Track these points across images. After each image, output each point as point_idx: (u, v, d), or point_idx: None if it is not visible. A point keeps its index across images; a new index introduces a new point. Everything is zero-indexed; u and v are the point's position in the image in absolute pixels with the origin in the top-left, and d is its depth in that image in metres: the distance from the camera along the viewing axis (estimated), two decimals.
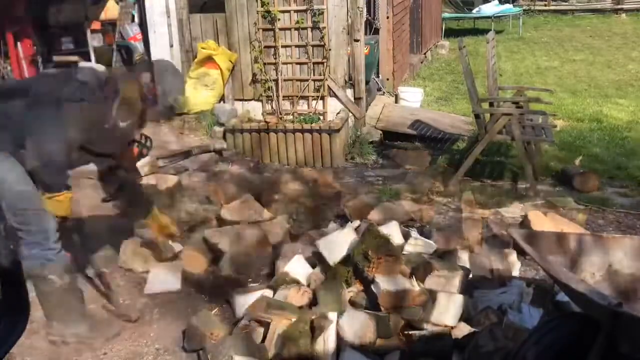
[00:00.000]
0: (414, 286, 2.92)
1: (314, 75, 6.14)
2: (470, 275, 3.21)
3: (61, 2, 7.53)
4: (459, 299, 2.90)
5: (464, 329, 2.82)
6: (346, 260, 3.10)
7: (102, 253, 3.69)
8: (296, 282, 3.13)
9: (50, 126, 2.76)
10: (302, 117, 6.20)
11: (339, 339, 2.73)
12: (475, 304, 3.01)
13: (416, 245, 3.44)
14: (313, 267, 3.24)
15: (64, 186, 2.89)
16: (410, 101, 7.73)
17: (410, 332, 2.77)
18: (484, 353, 2.51)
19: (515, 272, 3.42)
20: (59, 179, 2.87)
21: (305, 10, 5.98)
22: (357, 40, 6.05)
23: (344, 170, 5.77)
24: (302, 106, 6.26)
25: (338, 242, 3.14)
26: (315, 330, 2.77)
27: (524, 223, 4.10)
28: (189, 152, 5.45)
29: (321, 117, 6.18)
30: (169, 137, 5.84)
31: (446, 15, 14.51)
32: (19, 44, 7.43)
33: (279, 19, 6.03)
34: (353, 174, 5.70)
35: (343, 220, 4.04)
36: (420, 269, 3.05)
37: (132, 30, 6.69)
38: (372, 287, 2.91)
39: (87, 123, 2.83)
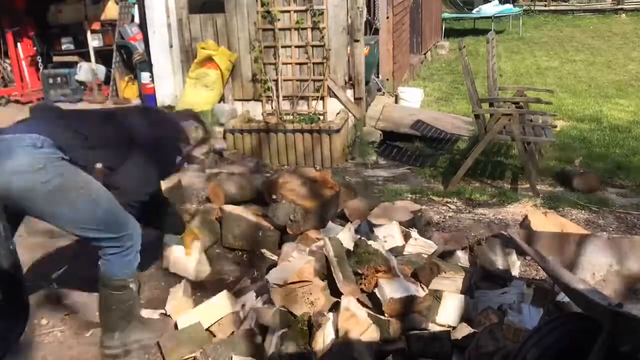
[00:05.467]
0: (420, 292, 2.92)
1: (313, 75, 6.14)
2: (471, 276, 3.21)
3: (61, 2, 7.54)
4: (461, 299, 2.90)
5: (464, 330, 2.82)
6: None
7: None
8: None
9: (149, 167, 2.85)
10: (302, 117, 6.19)
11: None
12: (476, 305, 3.00)
13: (416, 245, 3.44)
14: None
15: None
16: (410, 101, 7.73)
17: (411, 333, 2.77)
18: (484, 353, 2.50)
19: (515, 272, 3.42)
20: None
21: (305, 11, 5.98)
22: (357, 41, 6.05)
23: (344, 170, 5.77)
24: (302, 106, 6.26)
25: None
26: (313, 327, 2.77)
27: (524, 223, 4.09)
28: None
29: (321, 118, 6.18)
30: None
31: (446, 15, 14.52)
32: (19, 44, 7.43)
33: (279, 19, 6.03)
34: (353, 174, 5.70)
35: (343, 220, 4.04)
36: (426, 269, 3.05)
37: (132, 31, 6.69)
38: (376, 291, 2.91)
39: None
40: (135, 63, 6.63)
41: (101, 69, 7.38)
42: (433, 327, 2.85)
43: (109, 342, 2.92)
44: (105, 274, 2.80)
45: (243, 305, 3.13)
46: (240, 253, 3.95)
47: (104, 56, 7.38)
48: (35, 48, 7.60)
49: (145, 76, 6.50)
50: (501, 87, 6.43)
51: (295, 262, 3.08)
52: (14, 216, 2.64)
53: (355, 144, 6.20)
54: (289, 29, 6.07)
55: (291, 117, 6.23)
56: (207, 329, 3.03)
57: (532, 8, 17.45)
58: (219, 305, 3.11)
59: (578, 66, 10.68)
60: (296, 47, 6.11)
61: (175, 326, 3.07)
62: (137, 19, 6.83)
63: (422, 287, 3.02)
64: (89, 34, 7.35)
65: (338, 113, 6.14)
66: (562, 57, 11.51)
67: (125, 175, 2.75)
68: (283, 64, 6.16)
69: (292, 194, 3.93)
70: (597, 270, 2.40)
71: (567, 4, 17.83)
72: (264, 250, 3.88)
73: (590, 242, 2.44)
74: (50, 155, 2.50)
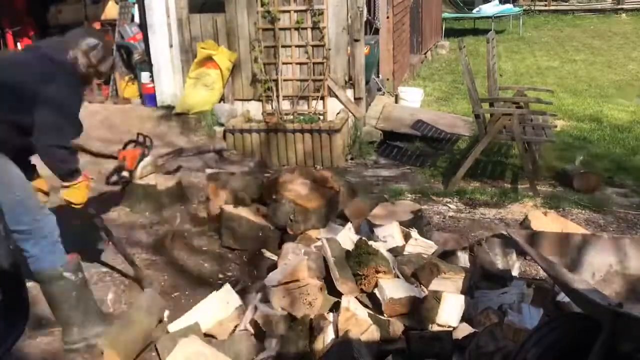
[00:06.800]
0: (420, 292, 2.92)
1: (314, 75, 6.13)
2: (471, 276, 3.21)
3: (61, 2, 7.54)
4: (462, 299, 2.90)
5: (464, 330, 2.82)
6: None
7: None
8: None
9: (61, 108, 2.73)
10: (302, 117, 6.19)
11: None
12: (476, 305, 3.01)
13: (416, 245, 3.44)
14: None
15: (78, 173, 2.88)
16: (410, 101, 7.73)
17: (411, 333, 2.77)
18: (484, 353, 2.50)
19: (515, 272, 3.42)
20: (72, 164, 2.85)
21: (305, 10, 5.97)
22: (357, 40, 6.04)
23: (344, 170, 5.76)
24: (302, 106, 6.26)
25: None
26: (314, 330, 2.77)
27: (524, 223, 4.10)
28: (182, 150, 5.45)
29: (321, 117, 6.17)
30: (169, 137, 5.84)
31: (446, 15, 14.51)
32: (18, 44, 7.43)
33: (279, 19, 6.02)
34: (353, 174, 5.70)
35: (343, 220, 4.04)
36: (426, 269, 3.05)
37: (132, 31, 6.68)
38: (376, 291, 2.90)
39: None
40: (135, 63, 6.62)
41: None
42: (433, 327, 2.85)
43: (68, 338, 2.92)
44: (34, 270, 2.82)
45: (242, 306, 3.13)
46: (240, 253, 3.95)
47: None
48: None
49: (145, 76, 6.50)
50: (501, 87, 6.43)
51: (290, 263, 3.08)
52: None
53: (355, 143, 6.19)
54: (289, 29, 6.06)
55: (291, 117, 6.22)
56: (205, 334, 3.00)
57: (532, 8, 17.44)
58: (213, 307, 3.08)
59: (578, 66, 10.68)
60: (296, 46, 6.11)
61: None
62: (137, 19, 6.82)
63: (422, 288, 3.02)
64: None
65: (338, 113, 6.14)
66: (563, 57, 11.51)
67: (41, 131, 2.71)
68: (283, 63, 6.15)
69: (292, 194, 3.93)
70: (597, 270, 2.39)
71: (567, 4, 17.82)
72: (264, 250, 3.89)
73: (591, 242, 2.44)
74: None
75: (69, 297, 2.88)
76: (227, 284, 3.31)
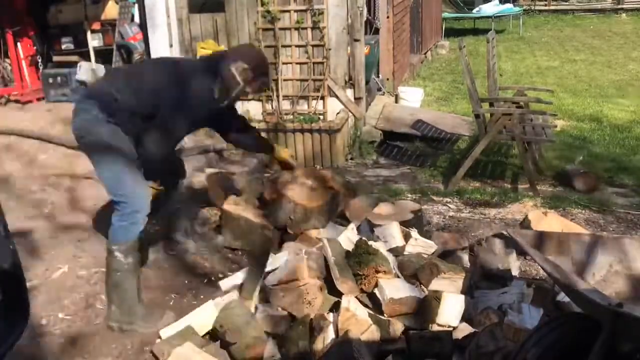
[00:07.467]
0: (420, 292, 2.92)
1: (314, 75, 6.13)
2: (471, 276, 3.21)
3: (61, 2, 7.54)
4: (462, 299, 2.90)
5: (464, 330, 2.82)
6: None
7: None
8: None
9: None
10: (302, 116, 6.19)
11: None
12: (476, 305, 3.01)
13: (416, 245, 3.44)
14: None
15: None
16: (411, 101, 7.73)
17: (412, 333, 2.77)
18: (484, 353, 2.50)
19: (515, 272, 3.42)
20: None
21: (305, 10, 5.97)
22: (357, 40, 6.04)
23: (344, 170, 5.76)
24: (302, 106, 6.26)
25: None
26: (314, 330, 2.77)
27: (524, 223, 4.09)
28: (182, 149, 5.45)
29: (321, 117, 6.17)
30: None
31: (446, 14, 14.52)
32: (19, 43, 7.43)
33: (279, 19, 6.02)
34: (353, 173, 5.70)
35: (343, 220, 4.04)
36: (426, 269, 3.05)
37: (132, 30, 6.68)
38: (376, 291, 2.91)
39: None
40: (135, 63, 6.62)
41: (101, 69, 7.37)
42: (433, 327, 2.85)
43: (108, 313, 3.08)
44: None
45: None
46: (240, 253, 3.94)
47: (104, 56, 7.38)
48: (35, 48, 7.58)
49: None
50: (501, 86, 6.43)
51: (290, 262, 3.08)
52: None
53: (355, 143, 6.19)
54: (289, 29, 6.06)
55: (291, 116, 6.22)
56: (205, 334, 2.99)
57: (532, 8, 17.46)
58: (207, 316, 3.05)
59: (578, 66, 10.68)
60: (296, 46, 6.11)
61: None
62: (137, 19, 6.82)
63: (422, 288, 3.02)
64: (89, 33, 7.34)
65: (338, 113, 6.14)
66: (563, 57, 11.51)
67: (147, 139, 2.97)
68: (283, 63, 6.15)
69: (292, 194, 3.93)
70: (597, 270, 2.39)
71: (567, 3, 17.83)
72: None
73: (591, 242, 2.44)
74: (86, 117, 2.95)
75: (113, 275, 3.03)
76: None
